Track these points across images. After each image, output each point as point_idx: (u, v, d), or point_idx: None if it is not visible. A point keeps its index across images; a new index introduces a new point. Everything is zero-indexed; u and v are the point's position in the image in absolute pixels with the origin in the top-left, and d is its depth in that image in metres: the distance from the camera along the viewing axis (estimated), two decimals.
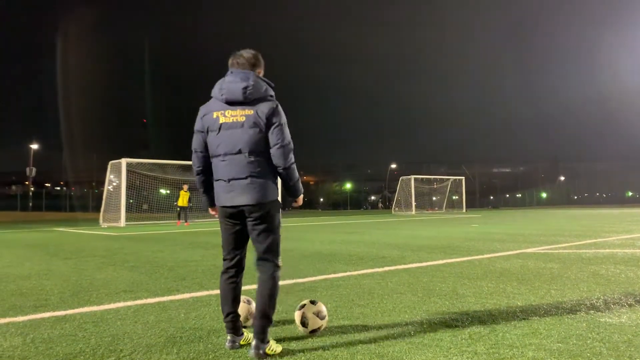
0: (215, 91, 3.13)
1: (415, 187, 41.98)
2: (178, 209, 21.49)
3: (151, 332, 3.52)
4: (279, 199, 3.18)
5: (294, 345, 3.15)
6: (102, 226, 20.93)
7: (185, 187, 21.40)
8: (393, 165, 79.98)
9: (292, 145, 3.08)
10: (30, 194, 53.08)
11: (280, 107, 3.08)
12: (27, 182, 55.14)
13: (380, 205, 79.88)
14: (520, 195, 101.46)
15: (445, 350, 3.01)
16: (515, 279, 5.59)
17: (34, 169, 47.38)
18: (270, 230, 3.10)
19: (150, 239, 12.75)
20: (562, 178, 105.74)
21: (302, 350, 3.03)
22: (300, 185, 3.22)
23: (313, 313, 3.36)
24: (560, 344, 3.09)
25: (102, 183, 26.07)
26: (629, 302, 4.26)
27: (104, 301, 4.63)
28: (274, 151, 3.01)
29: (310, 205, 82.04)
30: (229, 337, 3.12)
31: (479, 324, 3.59)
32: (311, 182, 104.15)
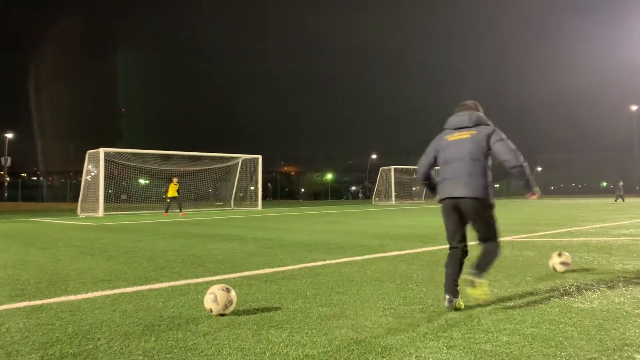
0: (447, 123, 4.05)
1: (395, 177, 42.23)
2: (168, 200, 21.25)
3: (129, 320, 3.50)
4: (492, 200, 3.84)
5: (272, 332, 3.17)
6: (80, 216, 20.64)
7: (175, 179, 21.18)
8: (374, 156, 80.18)
9: (518, 150, 3.77)
10: (6, 184, 52.07)
11: (499, 130, 3.87)
12: (2, 172, 54.01)
13: (360, 195, 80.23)
14: (498, 185, 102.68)
15: (422, 335, 3.06)
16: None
17: (9, 159, 46.48)
18: (486, 222, 3.88)
19: (129, 229, 12.63)
20: (539, 169, 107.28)
21: (280, 336, 3.05)
22: (534, 180, 3.87)
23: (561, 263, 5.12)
24: (533, 329, 3.17)
25: (80, 173, 25.67)
26: (600, 289, 4.38)
27: (81, 290, 4.58)
28: (507, 157, 3.73)
29: (290, 195, 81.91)
30: (447, 297, 3.67)
31: (455, 310, 3.66)
32: (292, 173, 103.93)
